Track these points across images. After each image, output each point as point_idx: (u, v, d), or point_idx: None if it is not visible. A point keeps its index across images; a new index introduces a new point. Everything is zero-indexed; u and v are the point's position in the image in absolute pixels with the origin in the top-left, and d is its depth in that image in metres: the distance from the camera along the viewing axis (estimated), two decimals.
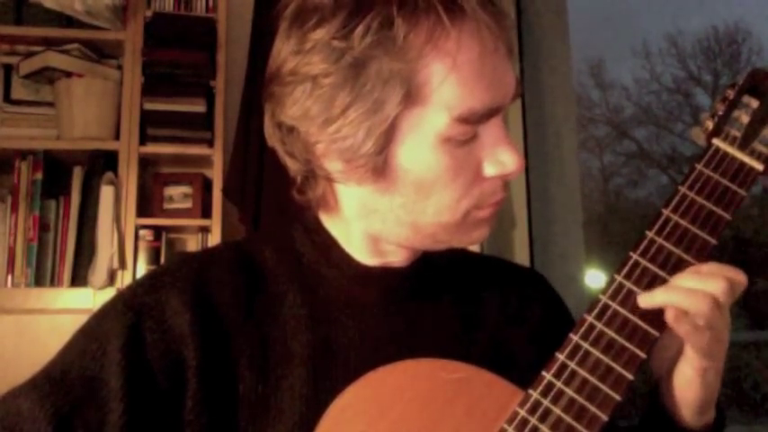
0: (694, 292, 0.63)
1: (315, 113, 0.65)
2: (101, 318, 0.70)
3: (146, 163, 2.22)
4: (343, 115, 0.64)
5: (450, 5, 0.63)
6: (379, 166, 0.65)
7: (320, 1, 0.64)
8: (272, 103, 0.69)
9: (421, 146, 0.65)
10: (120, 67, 2.24)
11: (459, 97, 0.63)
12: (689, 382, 0.67)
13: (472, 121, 0.64)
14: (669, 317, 0.63)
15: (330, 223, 0.75)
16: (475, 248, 2.22)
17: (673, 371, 0.68)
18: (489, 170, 0.67)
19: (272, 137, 0.71)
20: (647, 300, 0.64)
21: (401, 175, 0.66)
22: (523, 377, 0.65)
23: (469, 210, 0.68)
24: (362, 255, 0.74)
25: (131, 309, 0.69)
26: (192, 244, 2.28)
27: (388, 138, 0.64)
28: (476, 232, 0.70)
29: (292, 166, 0.71)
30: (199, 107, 2.19)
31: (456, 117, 0.63)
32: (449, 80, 0.63)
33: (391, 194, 0.67)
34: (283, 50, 0.67)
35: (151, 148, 2.18)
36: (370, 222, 0.71)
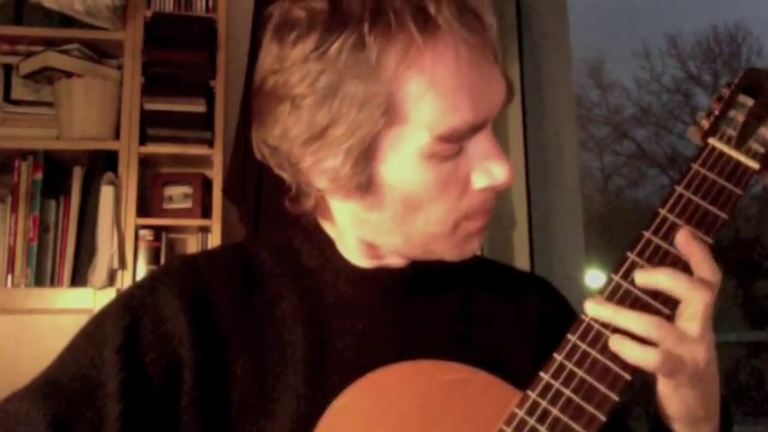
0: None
1: (295, 134, 0.64)
2: (99, 320, 0.71)
3: (146, 163, 2.22)
4: (323, 136, 0.63)
5: (422, 22, 0.60)
6: (363, 184, 0.65)
7: (297, 16, 0.63)
8: (256, 121, 0.69)
9: (404, 163, 0.64)
10: (120, 67, 2.24)
11: (439, 115, 0.62)
12: (664, 397, 0.66)
13: (454, 139, 0.63)
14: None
15: (327, 226, 0.76)
16: None
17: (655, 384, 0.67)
18: (479, 182, 0.66)
19: (260, 151, 0.71)
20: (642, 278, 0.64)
21: (387, 192, 0.66)
22: (521, 378, 0.65)
23: (459, 221, 0.67)
24: (359, 258, 0.74)
25: (128, 311, 0.70)
26: (192, 244, 2.28)
27: (368, 157, 0.63)
28: (467, 246, 0.70)
29: (285, 177, 0.71)
30: (199, 107, 2.20)
31: (437, 136, 0.62)
32: (427, 98, 0.61)
33: (379, 209, 0.67)
34: (265, 64, 0.66)
35: (151, 148, 2.18)
36: (364, 232, 0.71)
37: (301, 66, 0.62)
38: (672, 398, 0.65)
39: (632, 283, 0.65)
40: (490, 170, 0.66)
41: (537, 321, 0.79)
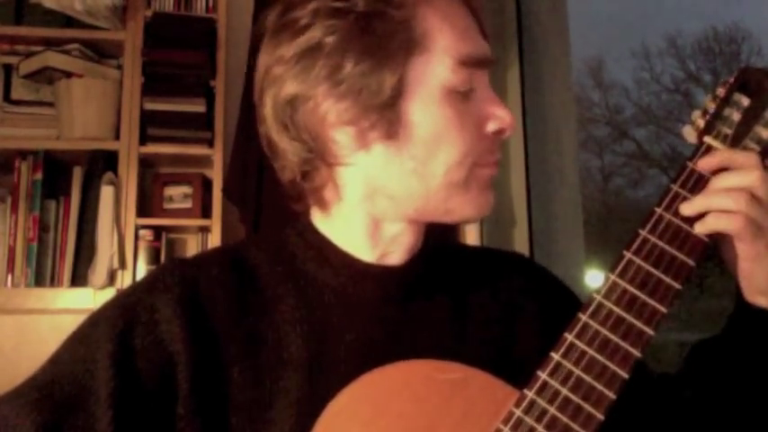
0: (730, 192, 0.66)
1: (323, 76, 0.68)
2: (92, 324, 0.70)
3: (146, 163, 2.23)
4: (354, 71, 0.67)
5: None
6: (391, 122, 0.68)
7: None
8: (274, 87, 0.71)
9: (429, 99, 0.69)
10: (120, 67, 2.24)
11: (456, 43, 0.69)
12: (748, 272, 0.69)
13: (470, 64, 0.70)
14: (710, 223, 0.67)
15: (326, 222, 0.76)
16: (476, 243, 2.21)
17: (735, 263, 0.70)
18: (490, 126, 0.71)
19: (272, 127, 0.72)
20: (687, 207, 0.68)
21: (411, 132, 0.69)
22: (522, 373, 0.65)
23: (473, 167, 0.70)
24: (361, 248, 0.74)
25: (122, 316, 0.69)
26: (192, 244, 2.28)
27: (398, 89, 0.68)
28: (482, 199, 0.72)
29: (293, 157, 0.72)
30: (199, 107, 2.20)
31: (457, 60, 0.69)
32: (444, 29, 0.69)
33: (402, 157, 0.69)
34: (282, 44, 0.70)
35: (151, 148, 2.18)
36: (377, 201, 0.72)
37: (327, 10, 0.68)
38: (756, 270, 0.68)
39: (630, 280, 0.66)
40: (496, 114, 0.72)
41: (536, 312, 0.79)
